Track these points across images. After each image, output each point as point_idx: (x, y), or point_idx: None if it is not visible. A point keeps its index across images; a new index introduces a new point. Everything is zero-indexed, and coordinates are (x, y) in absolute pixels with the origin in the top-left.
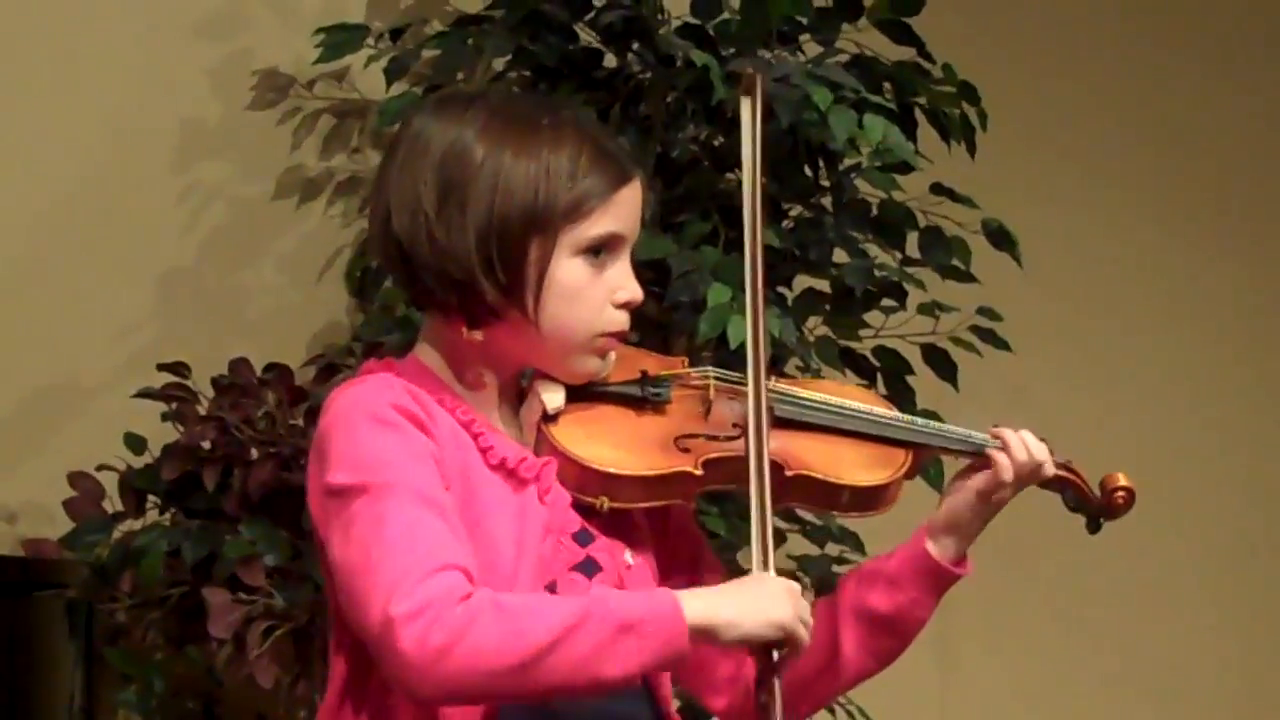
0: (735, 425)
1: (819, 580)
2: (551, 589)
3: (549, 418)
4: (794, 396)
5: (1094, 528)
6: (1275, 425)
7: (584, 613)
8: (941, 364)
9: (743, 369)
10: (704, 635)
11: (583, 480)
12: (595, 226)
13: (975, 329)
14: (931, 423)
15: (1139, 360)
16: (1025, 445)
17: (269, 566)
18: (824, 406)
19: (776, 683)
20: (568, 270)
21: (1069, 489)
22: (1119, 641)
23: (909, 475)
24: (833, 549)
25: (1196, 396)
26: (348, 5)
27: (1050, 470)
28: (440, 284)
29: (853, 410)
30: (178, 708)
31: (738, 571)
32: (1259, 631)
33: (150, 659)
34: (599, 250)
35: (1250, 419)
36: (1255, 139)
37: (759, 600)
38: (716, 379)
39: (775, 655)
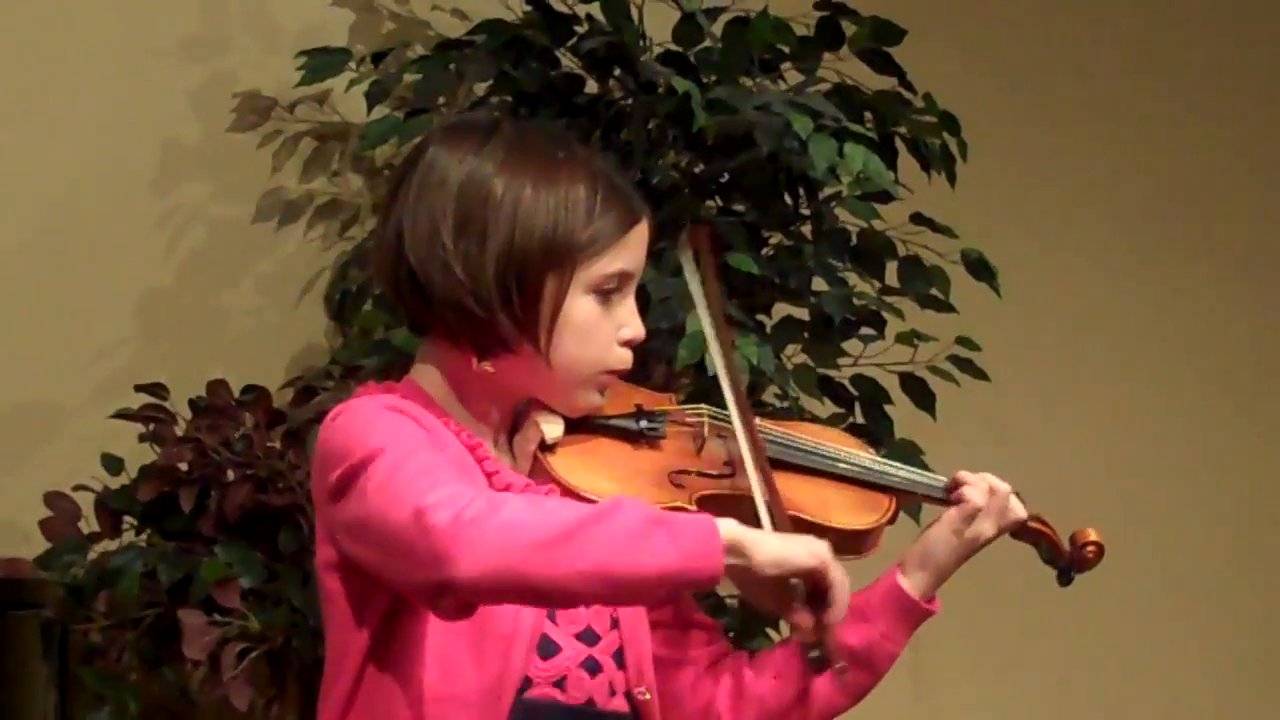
0: (727, 464)
1: None
2: (552, 618)
3: (546, 447)
4: (784, 438)
5: (1065, 580)
6: (1256, 454)
7: (615, 504)
8: (920, 393)
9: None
10: (738, 553)
11: None
12: (609, 265)
13: (954, 359)
14: (906, 467)
15: (1117, 391)
16: (986, 479)
17: (245, 588)
18: (814, 450)
19: (828, 635)
20: (580, 307)
21: (1042, 541)
22: (1096, 672)
23: (891, 521)
24: None
25: (1176, 427)
26: (329, 29)
27: (1021, 513)
28: (455, 316)
29: (839, 454)
30: None
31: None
32: (1239, 661)
33: (125, 680)
34: (610, 287)
35: (1231, 449)
36: (1237, 168)
37: (794, 538)
38: (711, 417)
39: (816, 607)
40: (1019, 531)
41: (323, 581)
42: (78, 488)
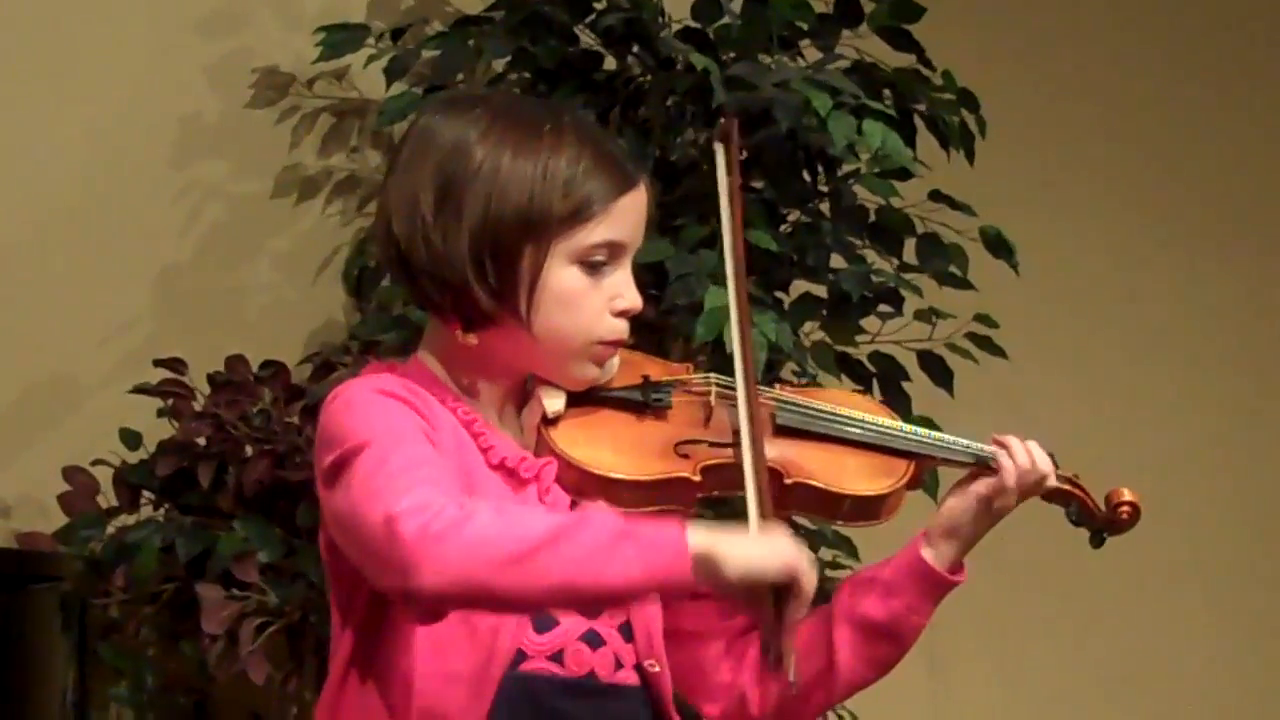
0: (736, 432)
1: None
2: None
3: (549, 421)
4: (796, 404)
5: (1097, 542)
6: (1273, 435)
7: (583, 518)
8: (937, 371)
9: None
10: (708, 564)
11: (581, 483)
12: (593, 234)
13: (972, 336)
14: (934, 433)
15: (1135, 369)
16: (1029, 452)
17: (262, 563)
18: (826, 415)
19: (786, 637)
20: (563, 277)
21: (1073, 503)
22: (1113, 654)
23: (911, 486)
24: (826, 554)
25: (1193, 404)
26: (348, 5)
27: (1053, 482)
28: (435, 286)
29: (855, 419)
30: (169, 703)
31: None
32: (1257, 642)
33: (143, 654)
34: (597, 258)
35: (1248, 428)
36: (1254, 149)
37: (766, 541)
38: (718, 385)
39: (780, 606)
40: (1048, 494)
41: (324, 558)
42: (96, 462)
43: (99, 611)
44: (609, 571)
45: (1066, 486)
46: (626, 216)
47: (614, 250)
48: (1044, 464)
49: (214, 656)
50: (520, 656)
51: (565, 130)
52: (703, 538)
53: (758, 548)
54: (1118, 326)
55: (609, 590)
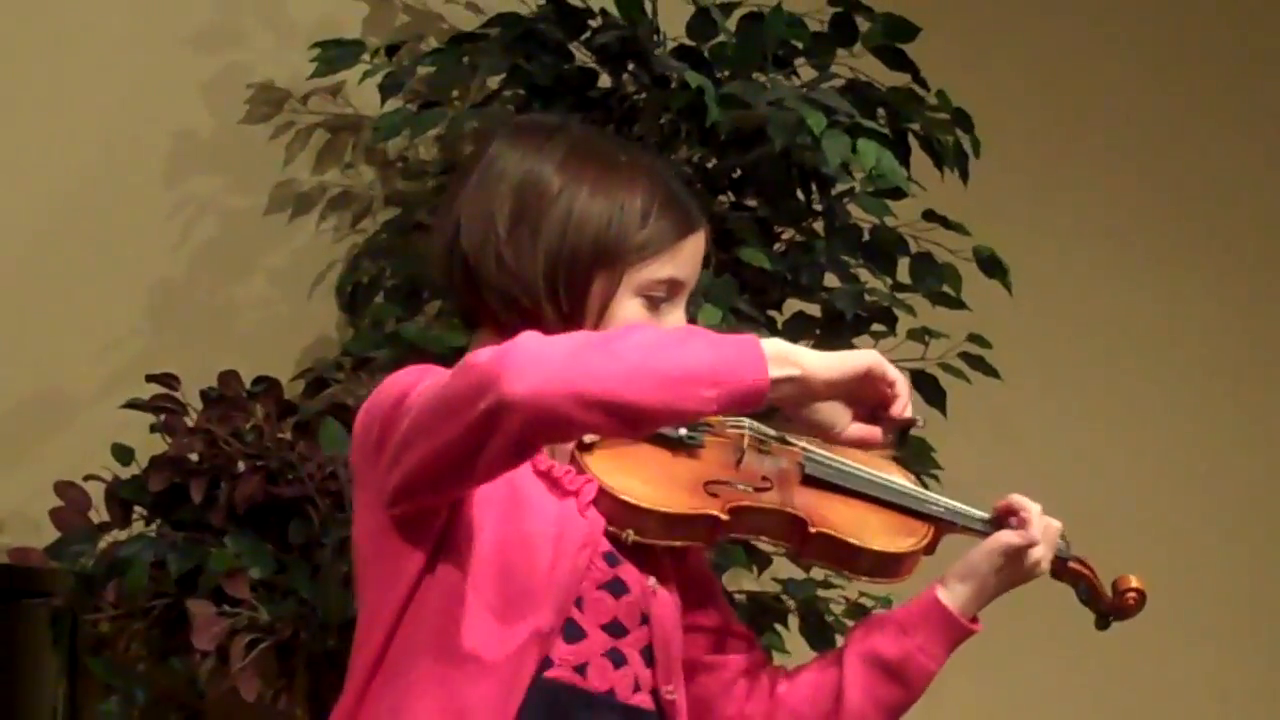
0: (764, 479)
1: (804, 604)
2: (579, 605)
3: (584, 447)
4: (824, 457)
5: (1103, 625)
6: (1266, 455)
7: (640, 324)
8: (930, 390)
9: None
10: (787, 363)
11: (613, 510)
12: (660, 270)
13: (965, 356)
14: (955, 503)
15: (1128, 389)
16: (1039, 512)
17: (254, 580)
18: (854, 471)
19: (896, 416)
20: (627, 309)
21: (1082, 583)
22: (1109, 678)
23: (928, 550)
24: (818, 573)
25: (1186, 426)
26: (343, 21)
27: (1060, 546)
28: (503, 305)
29: (881, 479)
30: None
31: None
32: (1248, 665)
33: (133, 670)
34: (659, 294)
35: (1242, 447)
36: (1248, 171)
37: (831, 353)
38: (751, 431)
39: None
40: (1059, 571)
41: (360, 550)
42: (88, 477)
43: (90, 627)
44: (683, 354)
45: (1078, 567)
46: (689, 256)
47: (674, 288)
48: (1054, 522)
49: (205, 673)
50: (546, 664)
51: (640, 165)
52: (776, 340)
53: (832, 353)
54: (1111, 346)
55: (685, 372)
